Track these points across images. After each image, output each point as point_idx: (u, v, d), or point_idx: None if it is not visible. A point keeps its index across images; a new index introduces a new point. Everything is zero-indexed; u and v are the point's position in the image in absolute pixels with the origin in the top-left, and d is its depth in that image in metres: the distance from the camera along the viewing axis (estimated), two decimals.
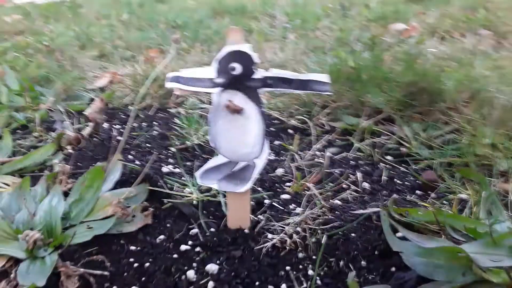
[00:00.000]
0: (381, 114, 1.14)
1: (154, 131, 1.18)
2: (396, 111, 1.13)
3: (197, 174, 0.69)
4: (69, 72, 1.55)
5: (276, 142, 1.11)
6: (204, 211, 0.78)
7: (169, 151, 1.06)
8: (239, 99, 0.64)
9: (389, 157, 0.99)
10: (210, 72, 0.63)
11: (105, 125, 1.23)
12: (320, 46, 2.08)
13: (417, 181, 0.86)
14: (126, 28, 2.72)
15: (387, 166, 0.95)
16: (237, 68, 0.62)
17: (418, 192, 0.83)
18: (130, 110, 1.35)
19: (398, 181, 0.87)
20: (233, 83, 0.63)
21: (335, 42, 2.02)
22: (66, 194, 0.79)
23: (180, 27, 2.63)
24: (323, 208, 0.74)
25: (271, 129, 1.20)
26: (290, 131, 1.19)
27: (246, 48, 0.61)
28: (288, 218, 0.74)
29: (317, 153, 1.04)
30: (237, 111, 0.64)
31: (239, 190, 0.69)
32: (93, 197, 0.75)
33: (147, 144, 1.10)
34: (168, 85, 0.64)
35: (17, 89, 1.32)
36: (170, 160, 1.01)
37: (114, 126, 1.23)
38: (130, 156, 1.03)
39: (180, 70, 0.64)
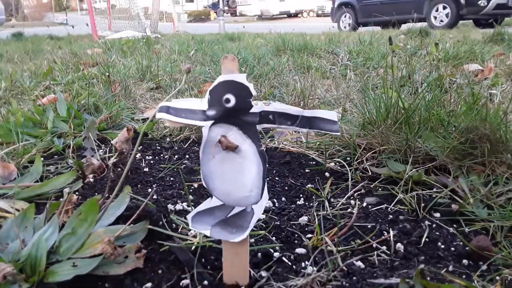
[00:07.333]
0: (434, 162, 0.98)
1: (183, 165, 1.13)
2: (453, 160, 0.96)
3: (189, 217, 0.61)
4: (119, 102, 1.58)
5: (309, 186, 0.99)
6: (202, 259, 0.69)
7: (192, 187, 0.99)
8: (234, 135, 0.56)
9: (437, 214, 0.83)
10: (203, 103, 0.56)
11: (138, 155, 1.22)
12: (381, 85, 1.94)
13: (466, 247, 0.69)
14: (189, 63, 2.80)
15: (433, 225, 0.79)
16: (232, 100, 0.54)
17: (465, 261, 0.66)
18: (166, 142, 1.33)
19: (442, 245, 0.71)
20: (227, 116, 0.55)
21: (397, 80, 1.87)
22: None
23: (239, 63, 2.65)
24: (336, 271, 0.61)
25: (306, 170, 1.09)
26: (327, 174, 1.06)
27: (241, 78, 0.53)
28: (294, 278, 0.62)
29: (352, 202, 0.91)
30: (231, 148, 0.55)
31: (234, 239, 0.59)
32: (86, 232, 0.69)
33: (171, 178, 1.05)
34: (158, 115, 0.58)
35: (64, 116, 1.36)
36: (190, 197, 0.94)
37: (146, 157, 1.21)
38: (149, 190, 0.98)
39: (172, 101, 0.57)
